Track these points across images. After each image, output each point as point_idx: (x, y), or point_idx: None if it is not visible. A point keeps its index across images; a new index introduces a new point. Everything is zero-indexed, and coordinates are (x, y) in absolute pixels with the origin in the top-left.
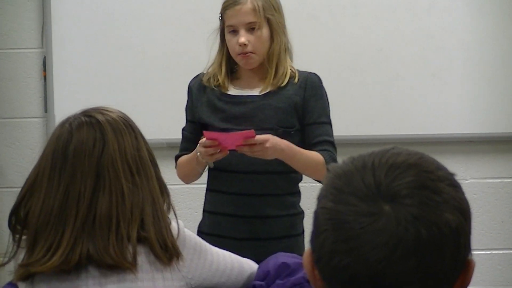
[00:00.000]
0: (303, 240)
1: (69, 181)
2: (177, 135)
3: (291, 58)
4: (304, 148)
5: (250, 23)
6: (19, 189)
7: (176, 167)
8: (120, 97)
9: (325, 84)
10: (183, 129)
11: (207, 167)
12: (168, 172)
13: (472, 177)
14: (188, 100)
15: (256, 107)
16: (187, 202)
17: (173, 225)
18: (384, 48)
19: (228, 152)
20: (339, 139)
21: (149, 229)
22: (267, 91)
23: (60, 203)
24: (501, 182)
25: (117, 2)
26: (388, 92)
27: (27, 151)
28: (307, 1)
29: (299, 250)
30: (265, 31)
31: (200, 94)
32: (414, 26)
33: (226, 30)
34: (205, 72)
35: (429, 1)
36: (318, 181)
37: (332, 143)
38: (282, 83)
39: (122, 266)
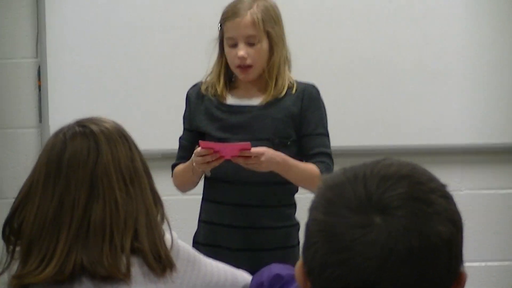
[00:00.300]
0: (299, 252)
1: (63, 191)
2: (172, 146)
3: (289, 68)
4: (301, 159)
5: (249, 36)
6: (14, 199)
7: (172, 176)
8: (114, 107)
9: (321, 94)
10: (180, 138)
11: (203, 176)
12: (163, 183)
13: (467, 188)
14: (186, 109)
15: (253, 117)
16: (181, 213)
17: (167, 236)
18: (379, 57)
19: (224, 159)
20: (334, 149)
21: (143, 240)
22: (266, 102)
23: (54, 213)
24: (496, 193)
25: (112, 12)
26: (382, 102)
27: (22, 161)
28: (303, 8)
29: (295, 261)
30: (264, 44)
31: (198, 103)
32: (410, 34)
33: (225, 41)
34: (203, 80)
35: (426, 9)
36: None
37: (329, 155)
38: (280, 94)
39: (115, 277)
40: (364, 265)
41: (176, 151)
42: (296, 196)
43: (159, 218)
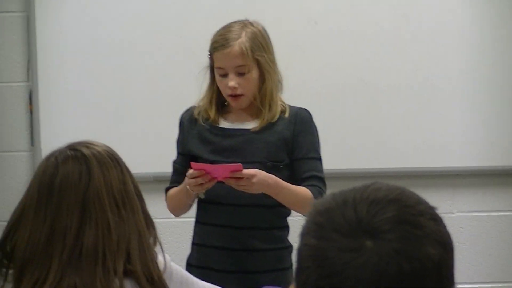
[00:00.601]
0: (291, 274)
1: (55, 214)
2: (164, 169)
3: (281, 91)
4: (293, 183)
5: (239, 66)
6: (6, 223)
7: (166, 199)
8: (106, 130)
9: (312, 116)
10: (174, 162)
11: (196, 199)
12: (155, 206)
13: (459, 211)
14: (179, 133)
15: (246, 141)
16: (174, 235)
17: (160, 258)
18: (370, 80)
19: (216, 180)
20: (325, 172)
21: (136, 263)
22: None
23: (46, 237)
24: (488, 216)
25: (103, 36)
26: (373, 126)
27: (14, 185)
28: (292, 32)
29: (287, 284)
30: (254, 73)
31: (191, 126)
32: (400, 58)
33: (215, 70)
34: (196, 105)
35: (415, 32)
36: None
37: (321, 179)
38: (273, 118)
39: None
40: None
41: (168, 174)
42: (289, 218)
43: (151, 240)
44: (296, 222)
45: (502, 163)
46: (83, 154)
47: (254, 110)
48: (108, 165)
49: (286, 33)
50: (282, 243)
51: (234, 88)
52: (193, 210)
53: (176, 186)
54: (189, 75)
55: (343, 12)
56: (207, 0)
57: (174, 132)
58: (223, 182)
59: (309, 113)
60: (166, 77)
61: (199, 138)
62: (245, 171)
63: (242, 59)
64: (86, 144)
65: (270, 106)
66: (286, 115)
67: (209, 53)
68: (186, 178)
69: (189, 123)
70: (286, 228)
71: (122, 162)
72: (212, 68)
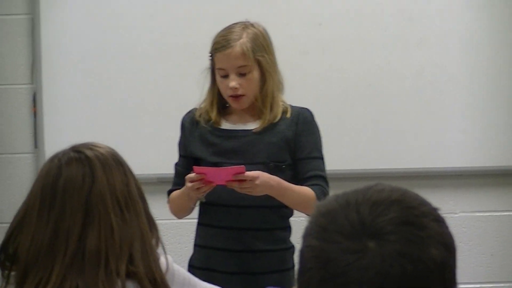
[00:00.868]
0: (293, 275)
1: (58, 217)
2: (167, 170)
3: (282, 92)
4: (296, 183)
5: (240, 67)
6: (9, 225)
7: (168, 202)
8: (110, 132)
9: (316, 118)
10: (176, 164)
11: (198, 201)
12: (158, 207)
13: (462, 211)
14: (181, 135)
15: (248, 142)
16: (176, 237)
17: (162, 260)
18: (374, 83)
19: (215, 185)
20: (329, 173)
21: (138, 264)
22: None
23: (49, 239)
24: (491, 216)
25: (107, 39)
26: (377, 126)
27: (17, 187)
28: (298, 36)
29: (289, 285)
30: (255, 73)
31: (193, 129)
32: (405, 61)
33: (216, 71)
34: (197, 107)
35: (421, 35)
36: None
37: (324, 178)
38: (275, 119)
39: None
40: None
41: (171, 175)
42: (291, 219)
43: (154, 242)
44: (298, 223)
45: (505, 163)
46: (86, 156)
47: (255, 111)
48: (112, 167)
49: (291, 36)
50: (284, 244)
51: (235, 88)
52: (195, 212)
53: (178, 188)
54: (193, 77)
55: (348, 15)
56: (212, 3)
57: (177, 133)
58: (225, 186)
59: (310, 112)
60: (169, 79)
61: (201, 140)
62: (248, 173)
63: (244, 60)
64: (89, 146)
65: (271, 106)
66: (288, 115)
67: (210, 54)
68: (186, 181)
69: (190, 125)
70: (288, 228)
71: (126, 164)
72: (213, 69)
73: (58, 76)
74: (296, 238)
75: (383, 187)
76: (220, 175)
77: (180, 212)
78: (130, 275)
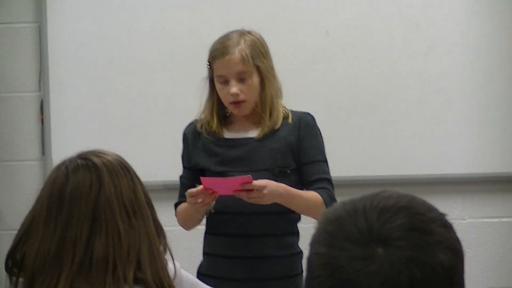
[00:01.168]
0: (302, 281)
1: (65, 224)
2: (174, 177)
3: (281, 97)
4: (302, 187)
5: (240, 72)
6: (16, 232)
7: (176, 215)
8: (117, 139)
9: (323, 125)
10: (181, 177)
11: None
12: (165, 214)
13: (470, 217)
14: (184, 148)
15: (251, 149)
16: (184, 243)
17: (170, 266)
18: (381, 90)
19: (217, 195)
20: (337, 180)
21: (146, 270)
22: (263, 134)
23: (56, 246)
24: (499, 222)
25: (115, 46)
26: (385, 133)
27: (25, 194)
28: (305, 44)
29: None
30: (255, 79)
31: (195, 140)
32: (411, 68)
33: (216, 79)
34: (198, 118)
35: (427, 44)
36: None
37: (329, 180)
38: (276, 125)
39: None
40: None
41: (178, 182)
42: (299, 225)
43: (161, 248)
44: (307, 229)
45: None
46: (93, 163)
47: (256, 118)
48: (119, 174)
49: (298, 45)
50: (293, 249)
51: (237, 94)
52: (203, 219)
53: (185, 201)
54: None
55: (355, 24)
56: (220, 12)
57: None
58: (233, 196)
59: (312, 116)
60: (176, 86)
61: (204, 151)
62: (256, 182)
63: (243, 66)
64: (96, 153)
65: (270, 112)
66: (289, 120)
67: (208, 63)
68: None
69: (192, 137)
70: (296, 233)
71: (133, 170)
72: (211, 78)
73: (65, 83)
74: (305, 245)
75: (390, 193)
76: (227, 185)
77: (188, 224)
78: (137, 281)
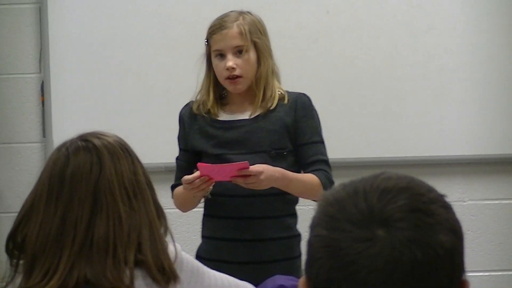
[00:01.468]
0: (301, 263)
1: (66, 205)
2: (175, 159)
3: (278, 81)
4: (299, 168)
5: (237, 46)
6: (17, 214)
7: (172, 197)
8: (117, 121)
9: (322, 105)
10: (177, 158)
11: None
12: (166, 196)
13: (471, 199)
14: (180, 129)
15: (248, 131)
16: (184, 225)
17: (171, 248)
18: (382, 70)
19: (214, 181)
20: (337, 161)
21: (146, 253)
22: (257, 114)
23: (57, 228)
24: (500, 204)
25: (115, 28)
26: (385, 114)
27: (26, 176)
28: (306, 24)
29: (297, 273)
30: (252, 54)
31: (192, 122)
32: (413, 47)
33: (212, 54)
34: (194, 100)
35: (429, 23)
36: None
37: (326, 162)
38: (271, 105)
39: None
40: (369, 278)
41: None
42: (298, 207)
43: (162, 230)
44: (306, 212)
45: None
46: (94, 145)
47: (252, 98)
48: (119, 156)
49: (299, 24)
50: (292, 231)
51: (232, 68)
52: (202, 201)
53: (181, 183)
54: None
55: (356, 2)
56: None
57: None
58: (230, 181)
59: (308, 97)
60: (177, 68)
61: (200, 133)
62: (252, 167)
63: (241, 39)
64: (97, 135)
65: (265, 90)
66: (285, 101)
67: (206, 39)
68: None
69: (189, 119)
70: (295, 215)
71: (133, 152)
72: (208, 56)
73: (66, 65)
74: (304, 227)
75: (390, 175)
76: (224, 171)
77: (185, 207)
78: (138, 263)
